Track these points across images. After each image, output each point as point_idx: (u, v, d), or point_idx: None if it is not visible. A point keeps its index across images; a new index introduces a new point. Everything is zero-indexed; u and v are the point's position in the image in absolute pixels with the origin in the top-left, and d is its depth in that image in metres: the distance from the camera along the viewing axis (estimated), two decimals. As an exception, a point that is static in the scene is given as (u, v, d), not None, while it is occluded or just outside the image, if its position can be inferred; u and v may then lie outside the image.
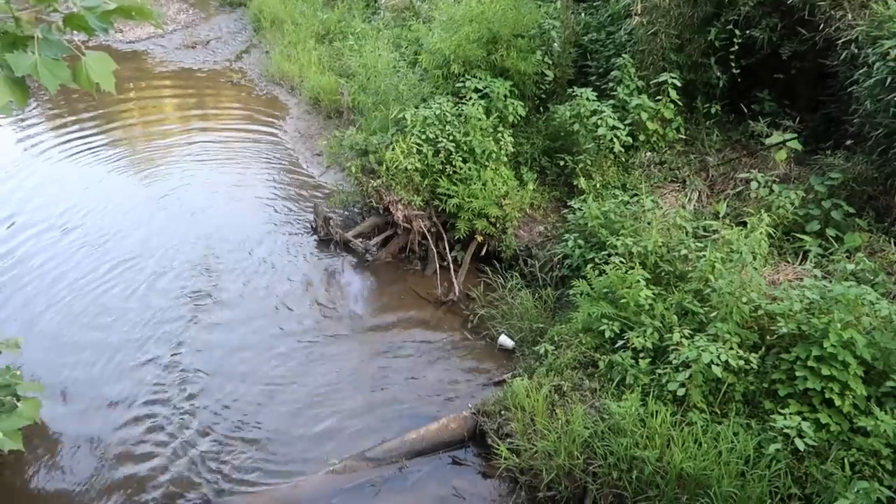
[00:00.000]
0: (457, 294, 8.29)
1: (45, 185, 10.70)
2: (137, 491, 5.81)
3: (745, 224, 6.60)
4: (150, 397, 6.78)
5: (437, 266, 8.65)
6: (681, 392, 5.38)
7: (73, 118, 13.10)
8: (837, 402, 4.97)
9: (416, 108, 8.92)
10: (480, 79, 8.92)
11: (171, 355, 7.33)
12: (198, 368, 7.17)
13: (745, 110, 8.51)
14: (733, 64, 8.15)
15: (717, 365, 5.25)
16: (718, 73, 8.36)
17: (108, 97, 13.47)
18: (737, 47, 8.04)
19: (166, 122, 13.53)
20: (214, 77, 15.62)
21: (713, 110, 8.57)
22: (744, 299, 5.66)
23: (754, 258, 6.07)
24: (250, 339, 7.64)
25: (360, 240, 9.24)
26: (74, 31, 2.94)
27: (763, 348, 5.53)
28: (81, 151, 11.81)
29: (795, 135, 7.69)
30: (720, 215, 7.09)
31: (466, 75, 9.02)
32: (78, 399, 6.73)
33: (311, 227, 9.68)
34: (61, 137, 12.29)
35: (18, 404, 4.71)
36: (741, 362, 5.29)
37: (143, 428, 6.43)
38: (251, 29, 18.22)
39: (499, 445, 5.81)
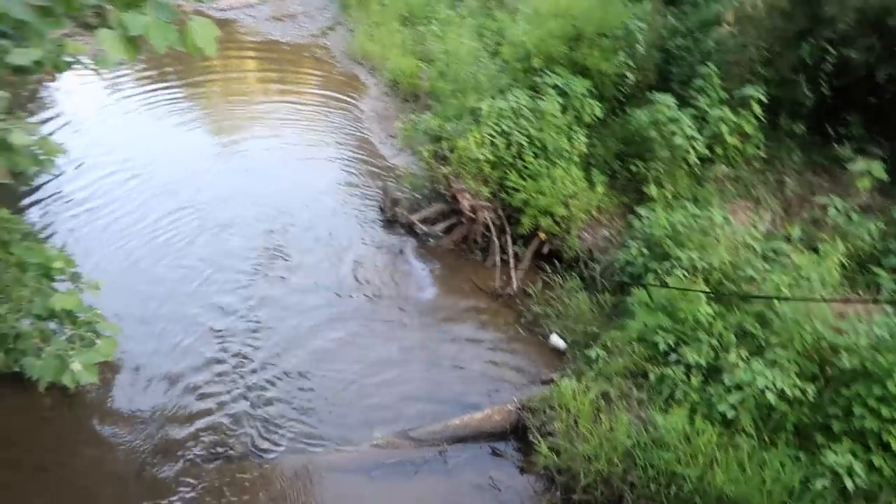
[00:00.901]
0: (514, 289, 8.31)
1: (127, 134, 11.24)
2: (191, 439, 6.08)
3: (817, 251, 6.38)
4: (211, 348, 7.09)
5: (498, 259, 8.67)
6: (730, 414, 5.29)
7: (160, 77, 13.65)
8: (895, 446, 4.79)
9: (493, 98, 8.92)
10: (560, 75, 8.85)
11: (235, 310, 7.64)
12: (260, 325, 7.46)
13: (832, 133, 8.17)
14: (824, 83, 7.83)
15: (772, 391, 5.14)
16: (807, 92, 8.04)
17: (195, 61, 13.99)
18: (830, 66, 7.72)
19: (248, 89, 13.96)
20: (298, 50, 15.97)
21: (797, 129, 8.26)
22: (807, 328, 5.49)
23: (823, 287, 5.88)
24: (310, 305, 7.87)
25: (425, 224, 9.35)
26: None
27: (822, 380, 5.36)
28: (165, 109, 12.32)
29: (882, 163, 7.36)
30: (792, 239, 6.87)
31: (546, 70, 8.97)
32: (146, 341, 7.09)
33: (379, 206, 9.85)
34: (148, 94, 12.85)
35: (97, 341, 5.00)
36: (797, 392, 5.16)
37: (203, 378, 6.73)
38: (338, 6, 18.50)
39: (540, 443, 5.84)
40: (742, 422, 5.27)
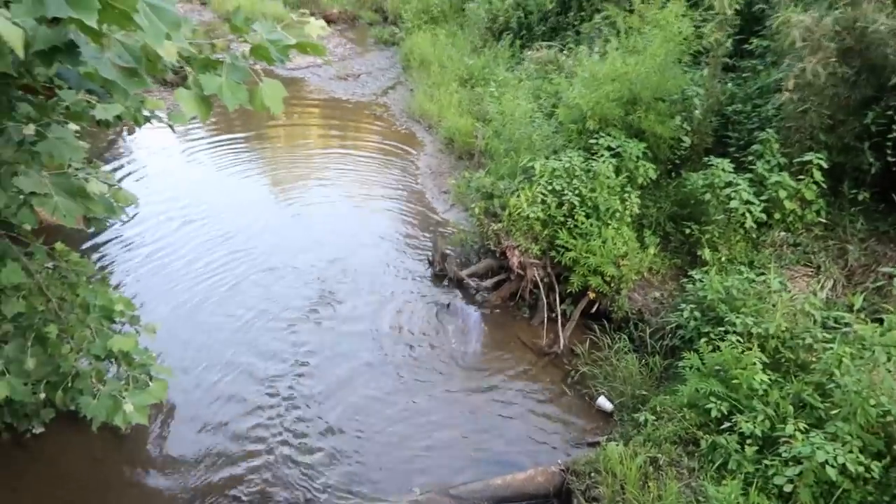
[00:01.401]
0: (561, 347, 8.24)
1: (190, 183, 11.83)
2: (233, 485, 6.16)
3: (881, 321, 6.15)
4: (255, 395, 7.22)
5: (546, 316, 8.64)
6: (788, 488, 5.06)
7: (228, 131, 14.38)
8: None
9: (547, 158, 9.05)
10: (614, 137, 8.94)
11: (280, 356, 7.79)
12: (304, 374, 7.56)
13: (897, 201, 7.98)
14: (889, 151, 7.68)
15: (833, 466, 4.90)
16: (871, 159, 7.89)
17: (261, 116, 14.70)
18: (895, 135, 7.58)
19: (309, 143, 14.53)
20: (360, 108, 16.60)
21: (861, 197, 8.08)
22: (871, 401, 5.26)
23: (889, 359, 5.63)
24: (356, 355, 7.96)
25: (474, 280, 9.41)
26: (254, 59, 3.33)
27: (888, 458, 5.09)
28: (229, 160, 12.95)
29: (953, 234, 7.11)
30: (855, 308, 6.64)
31: (601, 132, 9.07)
32: (192, 385, 7.27)
33: (429, 260, 9.99)
34: (214, 147, 13.55)
35: (150, 383, 5.18)
36: (861, 468, 4.90)
37: (246, 424, 6.84)
38: (400, 67, 19.25)
39: (584, 508, 5.68)
40: (801, 497, 5.02)
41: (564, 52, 14.07)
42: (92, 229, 5.90)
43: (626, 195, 8.50)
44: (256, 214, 11.05)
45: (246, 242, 10.12)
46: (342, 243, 10.32)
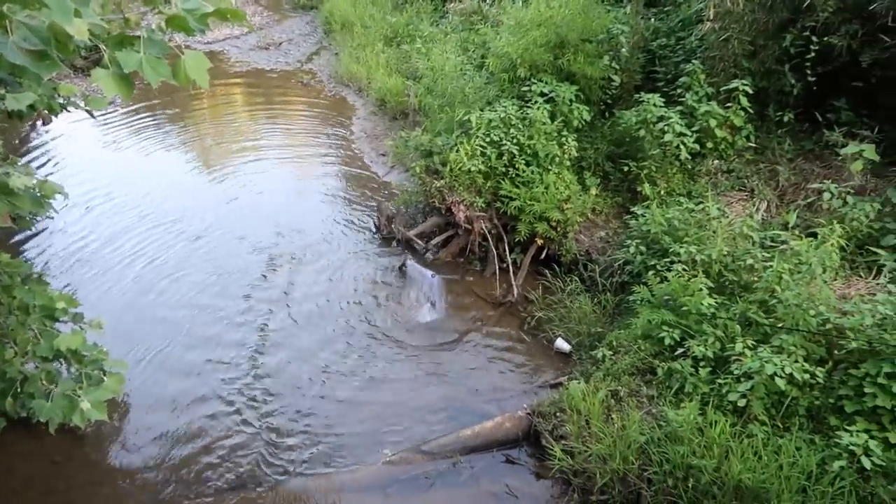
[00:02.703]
0: (515, 296, 8.37)
1: (119, 171, 11.38)
2: (203, 471, 6.10)
3: (815, 235, 6.45)
4: (215, 378, 7.12)
5: (497, 267, 8.74)
6: (741, 403, 5.32)
7: (149, 113, 13.81)
8: (908, 422, 4.83)
9: (482, 110, 9.03)
10: (546, 83, 8.97)
11: (237, 337, 7.68)
12: (263, 353, 7.49)
13: (820, 119, 8.28)
14: (809, 72, 7.95)
15: (781, 377, 5.17)
16: (793, 81, 8.16)
17: (182, 95, 14.16)
18: (813, 54, 7.84)
19: (237, 118, 14.10)
20: (285, 77, 16.16)
21: (786, 118, 8.37)
22: (811, 312, 5.55)
23: (824, 270, 5.94)
24: (311, 329, 7.90)
25: (422, 239, 9.42)
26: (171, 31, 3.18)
27: (830, 363, 5.41)
28: (155, 144, 12.48)
29: (873, 145, 7.45)
30: (789, 226, 6.95)
31: (532, 79, 9.09)
32: (150, 377, 7.11)
33: (375, 224, 9.93)
34: (135, 127, 13.01)
35: (105, 378, 5.04)
36: (806, 376, 5.19)
37: (209, 408, 6.75)
38: (322, 31, 18.76)
39: (553, 447, 5.87)
40: (754, 410, 5.30)
41: (487, 1, 13.94)
42: (19, 227, 5.63)
43: (563, 139, 8.58)
44: (189, 194, 10.75)
45: (180, 224, 9.88)
46: (283, 216, 10.16)
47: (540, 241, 8.64)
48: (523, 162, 8.52)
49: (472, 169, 8.54)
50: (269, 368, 7.29)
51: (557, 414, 6.13)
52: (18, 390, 5.28)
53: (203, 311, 8.11)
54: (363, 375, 7.24)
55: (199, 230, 9.76)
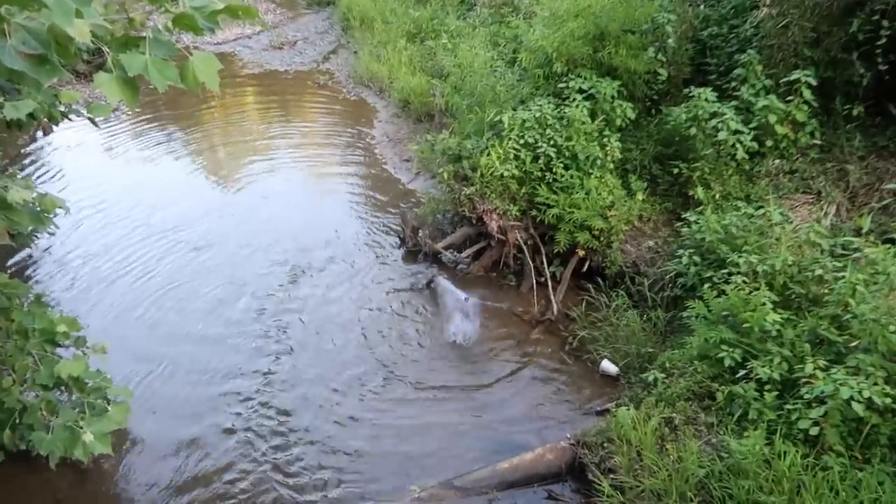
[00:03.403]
0: (555, 313, 8.29)
1: (125, 182, 11.55)
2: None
3: (893, 242, 6.28)
4: (228, 405, 7.15)
5: (534, 282, 8.67)
6: (814, 431, 5.16)
7: (156, 121, 14.05)
8: None
9: (515, 110, 9.00)
10: (585, 78, 8.91)
11: (250, 362, 7.71)
12: (279, 378, 7.50)
13: (894, 112, 8.09)
14: (880, 59, 7.75)
15: (859, 402, 5.00)
16: (862, 70, 7.97)
17: (191, 100, 14.39)
18: (884, 40, 7.66)
19: (249, 125, 14.27)
20: (301, 79, 16.33)
21: (855, 112, 8.18)
22: (891, 327, 5.37)
23: (905, 281, 5.76)
24: (336, 351, 7.90)
25: (451, 251, 9.40)
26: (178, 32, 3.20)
27: (915, 385, 5.22)
28: (163, 153, 12.70)
29: (956, 140, 7.26)
30: (863, 231, 6.77)
31: (570, 75, 9.04)
32: (158, 404, 7.16)
33: (399, 236, 9.93)
34: (141, 136, 13.26)
35: (109, 408, 5.08)
36: (888, 400, 5.02)
37: (224, 440, 6.77)
38: (339, 29, 18.95)
39: (601, 481, 5.75)
40: (829, 439, 5.14)
41: (519, -10, 13.95)
42: (18, 245, 5.72)
43: (605, 140, 8.50)
44: (201, 206, 10.87)
45: (192, 237, 9.99)
46: (301, 229, 10.20)
47: (581, 253, 8.55)
48: (561, 165, 8.46)
49: (505, 174, 8.50)
50: (288, 396, 7.29)
51: (605, 444, 6.02)
52: (17, 421, 5.34)
53: (218, 335, 8.17)
54: (390, 404, 7.20)
55: (209, 241, 9.87)
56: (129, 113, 14.14)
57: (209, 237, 10.02)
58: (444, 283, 8.78)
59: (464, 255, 9.37)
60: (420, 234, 9.56)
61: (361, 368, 7.68)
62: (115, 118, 13.99)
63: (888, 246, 6.16)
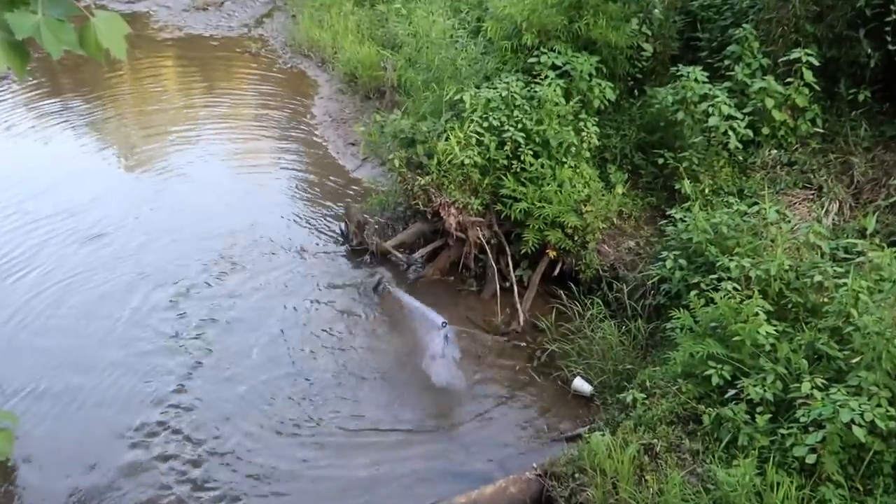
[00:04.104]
0: (521, 323, 8.33)
1: (16, 166, 11.32)
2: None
3: (900, 244, 6.46)
4: (134, 435, 7.00)
5: (498, 287, 8.70)
6: (810, 459, 5.27)
7: (55, 94, 13.75)
8: None
9: (478, 88, 9.02)
10: (559, 53, 8.97)
11: (162, 382, 7.56)
12: (197, 396, 7.41)
13: (905, 98, 8.35)
14: (889, 38, 7.98)
15: (861, 426, 5.13)
16: (869, 50, 8.19)
17: (95, 67, 14.11)
18: (894, 17, 7.89)
19: (166, 99, 14.05)
20: (229, 46, 16.16)
21: (861, 97, 8.40)
22: (898, 342, 5.53)
23: (913, 289, 5.93)
24: (259, 367, 7.81)
25: (403, 251, 9.38)
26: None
27: (923, 407, 5.38)
28: (62, 132, 12.39)
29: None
30: (867, 232, 6.95)
31: (542, 48, 9.09)
32: (38, 448, 6.90)
33: (342, 233, 9.89)
34: (39, 115, 12.92)
35: (-12, 436, 4.93)
36: (892, 424, 5.16)
37: (130, 479, 6.62)
38: (275, -12, 18.77)
39: (571, 517, 5.80)
40: (826, 467, 5.25)
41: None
42: None
43: (581, 124, 8.57)
44: (96, 189, 10.72)
45: (81, 225, 9.85)
46: (229, 226, 10.08)
47: (552, 254, 8.61)
48: (530, 153, 8.51)
49: (466, 162, 8.51)
50: (204, 416, 7.18)
51: (576, 475, 6.05)
52: None
53: (123, 347, 8.03)
54: (324, 424, 7.14)
55: (102, 231, 9.77)
56: (20, 82, 13.80)
57: (103, 226, 9.87)
58: (408, 299, 8.67)
59: (417, 255, 9.36)
60: (366, 231, 9.52)
61: (293, 388, 7.59)
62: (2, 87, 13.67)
63: (894, 250, 6.33)
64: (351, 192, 10.88)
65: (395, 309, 8.67)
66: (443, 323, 7.99)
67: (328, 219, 10.34)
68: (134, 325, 8.29)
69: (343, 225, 9.90)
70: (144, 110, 13.52)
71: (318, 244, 9.83)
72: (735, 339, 6.17)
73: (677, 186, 8.33)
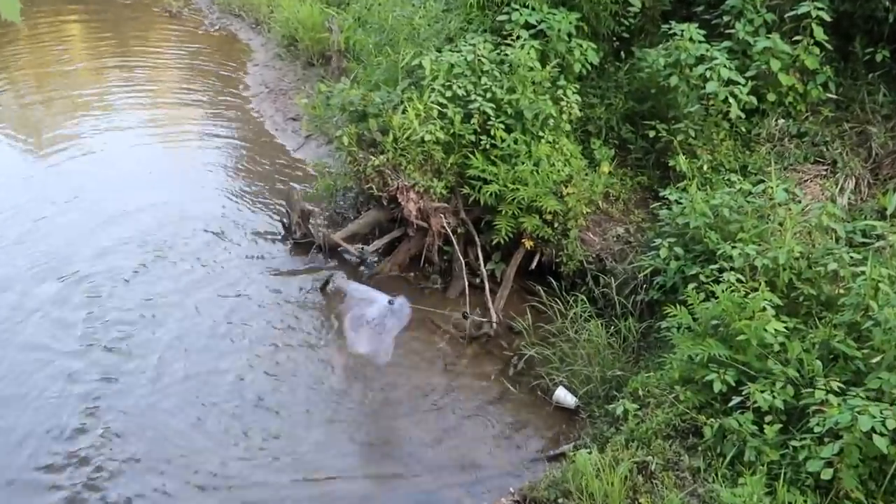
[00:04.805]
0: (494, 325, 8.34)
1: None
2: None
3: (925, 227, 6.56)
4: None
5: (467, 284, 8.69)
6: (826, 475, 5.33)
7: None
8: None
9: (439, 51, 9.01)
10: (533, 9, 8.97)
11: (73, 416, 7.39)
12: (117, 422, 7.27)
13: (928, 58, 8.46)
14: (912, -11, 8.11)
15: (883, 435, 5.20)
16: (887, 3, 8.29)
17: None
18: (915, -36, 8.01)
19: (72, 66, 13.85)
20: (144, 5, 15.95)
21: (879, 57, 8.49)
22: (925, 338, 5.61)
23: (939, 277, 6.03)
24: (188, 390, 7.70)
25: (355, 244, 9.34)
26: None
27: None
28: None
29: None
30: (888, 213, 7.04)
31: (513, 4, 9.08)
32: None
33: (283, 224, 9.83)
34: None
35: None
36: (919, 432, 5.24)
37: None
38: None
39: (554, 549, 5.83)
40: (845, 483, 5.33)
41: None
42: None
43: (560, 92, 8.59)
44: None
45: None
46: (143, 219, 10.01)
47: (529, 244, 8.64)
48: (502, 127, 8.51)
49: (427, 138, 8.48)
50: (125, 445, 7.10)
51: (559, 500, 6.09)
52: None
53: (20, 362, 7.91)
54: (265, 454, 7.08)
55: (11, 231, 9.63)
56: None
57: (13, 225, 9.73)
58: (354, 286, 8.73)
59: (372, 248, 9.33)
60: (312, 222, 9.47)
61: (228, 404, 7.53)
62: None
63: (919, 232, 6.43)
64: (293, 176, 10.80)
65: (351, 303, 8.67)
66: (390, 301, 8.03)
67: (266, 208, 10.27)
68: (61, 344, 8.15)
69: (285, 215, 9.83)
70: (44, 81, 13.30)
71: (253, 239, 9.76)
72: (739, 338, 6.21)
73: (671, 163, 8.37)
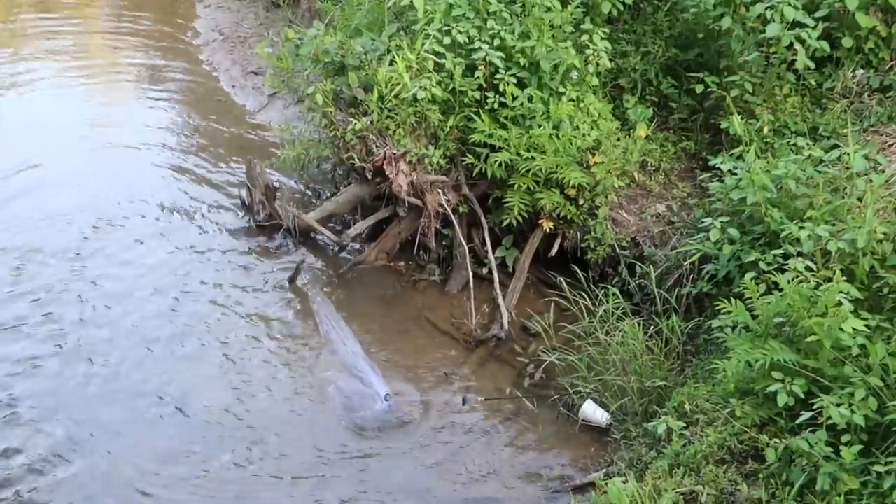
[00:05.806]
0: (505, 326, 8.35)
1: None
2: None
3: None
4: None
5: (471, 276, 8.72)
6: (919, 508, 5.37)
7: None
8: None
9: (435, -13, 9.01)
10: (551, -66, 8.99)
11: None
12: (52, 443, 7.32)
13: None
14: None
15: None
16: None
17: None
18: None
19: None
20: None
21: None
22: None
23: None
24: (136, 404, 7.74)
25: (332, 227, 9.36)
26: None
27: None
28: None
29: None
30: None
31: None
32: None
33: (242, 202, 9.84)
34: None
35: None
36: None
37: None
38: None
39: None
40: (941, 519, 5.36)
41: None
42: None
43: (585, 38, 8.58)
44: None
45: None
46: (77, 196, 10.07)
47: (548, 226, 8.65)
48: (513, 81, 8.51)
49: (421, 96, 8.48)
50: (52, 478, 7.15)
51: (588, 541, 6.13)
52: None
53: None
54: (230, 485, 7.12)
55: None
56: None
57: None
58: (336, 332, 8.56)
59: (353, 232, 9.33)
60: (279, 200, 9.48)
61: (188, 416, 7.57)
62: None
63: None
64: (254, 143, 10.82)
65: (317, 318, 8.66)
66: (386, 396, 7.90)
67: (221, 183, 10.28)
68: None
69: (244, 191, 9.84)
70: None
71: (206, 220, 9.79)
72: (809, 339, 6.22)
73: (723, 125, 8.38)
